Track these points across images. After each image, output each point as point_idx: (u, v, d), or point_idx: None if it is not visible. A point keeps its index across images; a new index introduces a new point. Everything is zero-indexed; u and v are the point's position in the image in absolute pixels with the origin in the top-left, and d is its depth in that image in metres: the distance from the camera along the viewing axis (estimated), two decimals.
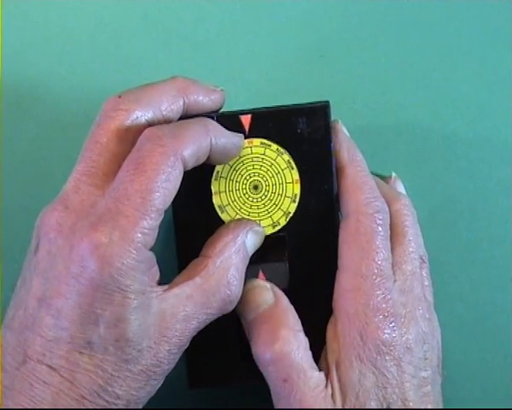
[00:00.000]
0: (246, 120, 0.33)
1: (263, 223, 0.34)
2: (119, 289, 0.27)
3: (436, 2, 0.41)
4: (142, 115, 0.31)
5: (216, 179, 0.34)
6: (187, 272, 0.31)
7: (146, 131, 0.29)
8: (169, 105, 0.31)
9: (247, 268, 0.32)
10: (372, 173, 0.35)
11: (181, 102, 0.32)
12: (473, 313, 0.41)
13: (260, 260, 0.34)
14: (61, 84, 0.40)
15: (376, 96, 0.41)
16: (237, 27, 0.40)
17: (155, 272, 0.29)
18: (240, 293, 0.31)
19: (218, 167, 0.34)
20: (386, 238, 0.33)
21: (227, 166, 0.34)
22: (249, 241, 0.32)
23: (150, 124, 0.31)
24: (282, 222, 0.34)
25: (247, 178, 0.34)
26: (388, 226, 0.33)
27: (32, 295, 0.28)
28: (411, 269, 0.33)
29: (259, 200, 0.34)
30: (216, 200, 0.34)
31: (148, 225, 0.28)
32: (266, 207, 0.34)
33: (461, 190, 0.41)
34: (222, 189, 0.34)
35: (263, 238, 0.33)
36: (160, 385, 0.30)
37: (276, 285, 0.34)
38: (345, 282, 0.32)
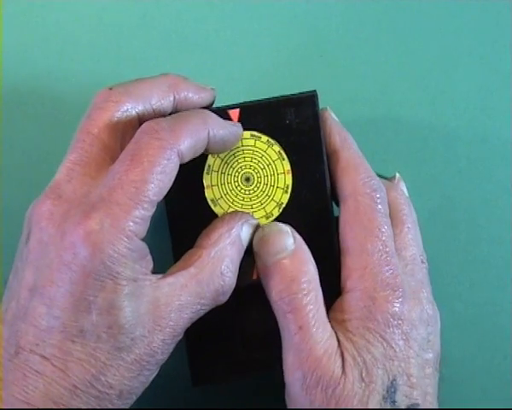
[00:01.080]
0: (234, 114, 0.34)
1: (256, 215, 0.34)
2: (110, 276, 0.27)
3: (436, 2, 0.41)
4: (132, 108, 0.31)
5: (208, 173, 0.34)
6: (181, 262, 0.31)
7: (143, 125, 0.30)
8: (159, 99, 0.32)
9: (243, 259, 0.32)
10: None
11: (171, 98, 0.32)
12: (473, 313, 0.41)
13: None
14: (61, 84, 0.40)
15: (376, 96, 0.41)
16: (237, 27, 0.40)
17: (148, 262, 0.30)
18: (233, 284, 0.31)
19: (209, 161, 0.34)
20: (387, 215, 0.33)
21: (218, 159, 0.34)
22: (244, 233, 0.32)
23: (140, 117, 0.31)
24: (276, 213, 0.34)
25: (239, 170, 0.34)
26: (387, 204, 0.34)
27: (24, 286, 0.28)
28: (411, 255, 0.34)
29: (252, 192, 0.34)
30: (208, 194, 0.34)
31: (140, 214, 0.28)
32: (259, 199, 0.34)
33: (461, 190, 0.41)
34: (214, 182, 0.34)
35: (256, 229, 0.33)
36: (154, 376, 0.30)
37: None
38: (351, 263, 0.32)
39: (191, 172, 0.34)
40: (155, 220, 0.39)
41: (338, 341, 0.31)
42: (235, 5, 0.40)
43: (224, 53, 0.40)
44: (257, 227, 0.33)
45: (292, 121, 0.34)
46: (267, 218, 0.34)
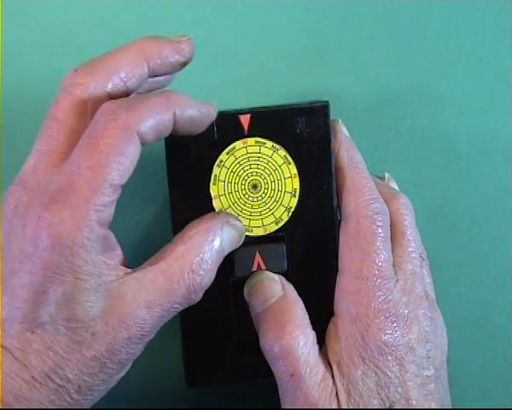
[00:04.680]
0: (245, 119, 0.33)
1: (266, 221, 0.34)
2: (70, 270, 0.27)
3: (436, 2, 0.41)
4: (99, 87, 0.29)
5: (214, 184, 0.34)
6: (153, 258, 0.30)
7: (102, 106, 0.28)
8: (130, 71, 0.30)
9: (243, 250, 0.33)
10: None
11: (144, 66, 0.30)
12: (473, 313, 0.41)
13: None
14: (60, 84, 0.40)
15: (376, 96, 0.41)
16: (237, 27, 0.40)
17: (116, 254, 0.29)
18: (207, 284, 0.30)
19: (215, 171, 0.34)
20: (387, 239, 0.33)
21: (224, 168, 0.34)
22: (225, 234, 0.31)
23: (111, 95, 0.30)
24: (285, 218, 0.34)
25: (245, 178, 0.34)
26: (388, 227, 0.33)
27: None
28: (412, 268, 0.33)
29: (260, 198, 0.34)
30: (216, 204, 0.34)
31: (101, 201, 0.27)
32: (267, 205, 0.34)
33: (461, 190, 0.41)
34: (221, 192, 0.34)
35: (242, 235, 0.33)
36: (119, 376, 0.29)
37: (275, 271, 0.34)
38: (346, 284, 0.32)
39: (197, 184, 0.33)
40: (161, 234, 0.39)
41: (332, 377, 0.31)
42: (235, 5, 0.40)
43: (224, 53, 0.40)
44: (241, 230, 0.33)
45: (302, 130, 0.34)
46: (277, 223, 0.34)
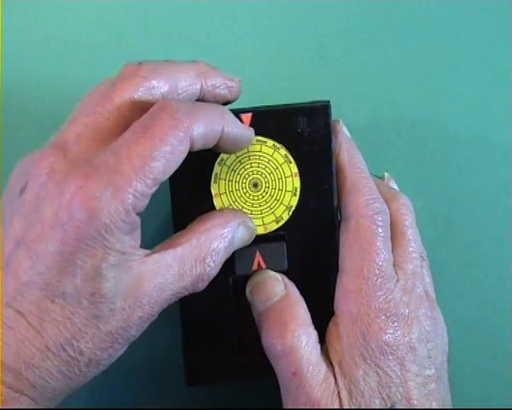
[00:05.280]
0: (246, 118, 0.33)
1: (266, 219, 0.34)
2: (102, 245, 0.27)
3: (436, 2, 0.41)
4: (158, 87, 0.30)
5: (215, 182, 0.34)
6: (170, 241, 0.30)
7: (162, 101, 0.29)
8: (186, 85, 0.31)
9: (244, 249, 0.33)
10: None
11: (198, 86, 0.31)
12: (473, 313, 0.41)
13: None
14: (61, 84, 0.40)
15: (376, 96, 0.41)
16: (237, 27, 0.40)
17: (138, 236, 0.29)
18: (213, 275, 0.31)
19: (216, 169, 0.34)
20: (387, 239, 0.33)
21: (225, 167, 0.34)
22: (239, 232, 0.32)
23: (164, 98, 0.30)
24: (286, 216, 0.34)
25: (246, 176, 0.34)
26: (388, 227, 0.33)
27: (11, 237, 0.28)
28: (412, 268, 0.33)
29: (260, 197, 0.34)
30: (217, 202, 0.34)
31: (141, 189, 0.28)
32: (268, 204, 0.34)
33: (461, 190, 0.41)
34: (222, 190, 0.34)
35: (252, 237, 0.33)
36: (121, 352, 0.29)
37: (275, 270, 0.34)
38: (347, 283, 0.33)
39: (198, 182, 0.33)
40: (162, 231, 0.39)
41: (334, 376, 0.31)
42: (236, 5, 0.40)
43: (224, 53, 0.40)
44: (253, 232, 0.33)
45: (304, 130, 0.34)
46: (277, 222, 0.34)
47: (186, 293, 0.30)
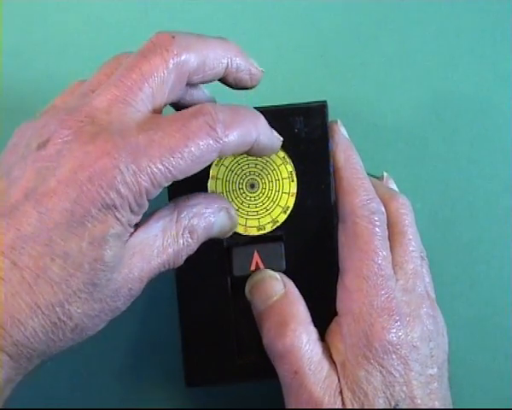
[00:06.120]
0: None
1: (262, 221, 0.34)
2: (113, 215, 0.27)
3: (436, 2, 0.41)
4: (187, 63, 0.30)
5: (213, 182, 0.34)
6: (156, 213, 0.30)
7: (204, 106, 0.29)
8: (213, 62, 0.31)
9: (242, 249, 0.33)
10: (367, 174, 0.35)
11: (224, 64, 0.31)
12: (473, 313, 0.41)
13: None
14: (60, 84, 0.40)
15: (376, 96, 0.41)
16: (237, 27, 0.40)
17: (139, 219, 0.29)
18: (191, 252, 0.31)
19: (213, 169, 0.34)
20: (385, 238, 0.33)
21: (223, 167, 0.34)
22: (220, 218, 0.32)
23: (191, 73, 0.30)
24: (282, 218, 0.34)
25: (243, 177, 0.34)
26: (386, 226, 0.33)
27: (20, 187, 0.27)
28: (413, 268, 0.33)
29: (257, 198, 0.34)
30: None
31: (159, 180, 0.28)
32: (265, 205, 0.34)
33: (461, 190, 0.41)
34: (219, 190, 0.34)
35: (232, 229, 0.33)
36: (102, 326, 0.29)
37: (273, 269, 0.34)
38: (348, 283, 0.33)
39: (196, 181, 0.33)
40: None
41: (337, 375, 0.31)
42: (236, 5, 0.40)
43: None
44: (234, 224, 0.33)
45: (301, 130, 0.34)
46: (273, 224, 0.34)
47: (166, 268, 0.30)
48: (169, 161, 0.28)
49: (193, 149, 0.28)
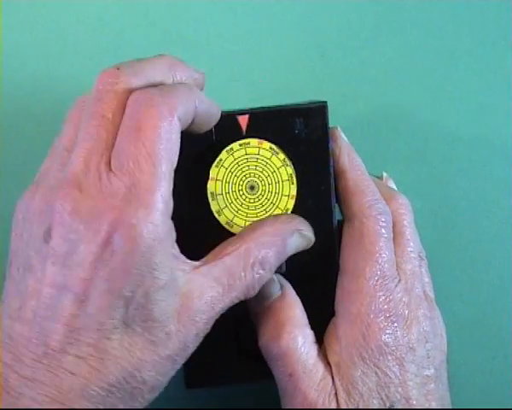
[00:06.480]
0: (243, 120, 0.33)
1: None
2: (149, 269, 0.27)
3: (436, 3, 0.41)
4: (138, 87, 0.29)
5: (212, 183, 0.34)
6: (217, 250, 0.30)
7: (136, 96, 0.28)
8: (161, 81, 0.30)
9: None
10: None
11: (171, 80, 0.31)
12: (473, 313, 0.41)
13: None
14: (60, 84, 0.40)
15: (376, 96, 0.41)
16: (237, 27, 0.40)
17: (174, 240, 0.29)
18: (265, 281, 0.30)
19: (213, 171, 0.34)
20: (390, 240, 0.33)
21: (222, 168, 0.34)
22: (293, 241, 0.31)
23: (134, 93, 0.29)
24: None
25: (243, 179, 0.34)
26: (391, 228, 0.33)
27: (48, 284, 0.27)
28: (411, 268, 0.33)
29: (257, 200, 0.34)
30: (213, 204, 0.34)
31: (167, 191, 0.27)
32: (264, 207, 0.34)
33: (461, 190, 0.41)
34: (219, 192, 0.34)
35: (309, 245, 0.33)
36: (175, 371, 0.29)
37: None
38: (348, 283, 0.33)
39: (195, 182, 0.33)
40: None
41: (332, 377, 0.31)
42: (236, 5, 0.40)
43: (224, 53, 0.40)
44: (310, 240, 0.32)
45: (301, 131, 0.34)
46: None
47: (238, 300, 0.30)
48: (158, 171, 0.27)
49: (161, 140, 0.27)
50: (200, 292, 0.29)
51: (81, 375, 0.26)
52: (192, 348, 0.29)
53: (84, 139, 0.28)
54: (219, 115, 0.32)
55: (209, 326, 0.29)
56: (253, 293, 0.30)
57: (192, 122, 0.30)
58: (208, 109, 0.31)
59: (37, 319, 0.27)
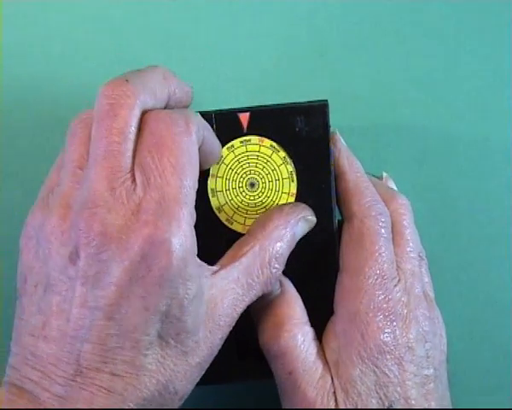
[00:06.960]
0: (244, 117, 0.33)
1: None
2: (183, 280, 0.27)
3: (436, 3, 0.41)
4: (146, 102, 0.29)
5: (213, 179, 0.34)
6: (232, 252, 0.31)
7: (156, 113, 0.29)
8: (160, 92, 0.30)
9: None
10: (366, 173, 0.35)
11: (166, 92, 0.31)
12: (472, 313, 0.41)
13: None
14: (60, 84, 0.40)
15: (376, 96, 0.41)
16: (237, 27, 0.40)
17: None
18: (280, 274, 0.31)
19: (213, 168, 0.34)
20: (389, 240, 0.33)
21: (223, 165, 0.34)
22: (299, 228, 0.32)
23: (148, 109, 0.29)
24: None
25: (243, 176, 0.34)
26: (390, 229, 0.34)
27: (78, 305, 0.27)
28: (411, 268, 0.33)
29: (257, 197, 0.34)
30: (213, 200, 0.34)
31: (191, 202, 0.28)
32: (264, 205, 0.34)
33: (461, 190, 0.41)
34: (219, 188, 0.34)
35: (312, 225, 0.33)
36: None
37: None
38: (347, 282, 0.33)
39: None
40: None
41: (330, 376, 0.31)
42: (236, 5, 0.40)
43: (224, 53, 0.40)
44: (312, 223, 0.33)
45: (302, 129, 0.34)
46: None
47: (255, 298, 0.31)
48: (181, 179, 0.27)
49: (182, 152, 0.28)
50: (222, 296, 0.29)
51: (117, 392, 0.26)
52: (217, 351, 0.29)
53: (105, 157, 0.27)
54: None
55: (231, 328, 0.30)
56: (270, 288, 0.31)
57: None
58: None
59: (69, 339, 0.27)
